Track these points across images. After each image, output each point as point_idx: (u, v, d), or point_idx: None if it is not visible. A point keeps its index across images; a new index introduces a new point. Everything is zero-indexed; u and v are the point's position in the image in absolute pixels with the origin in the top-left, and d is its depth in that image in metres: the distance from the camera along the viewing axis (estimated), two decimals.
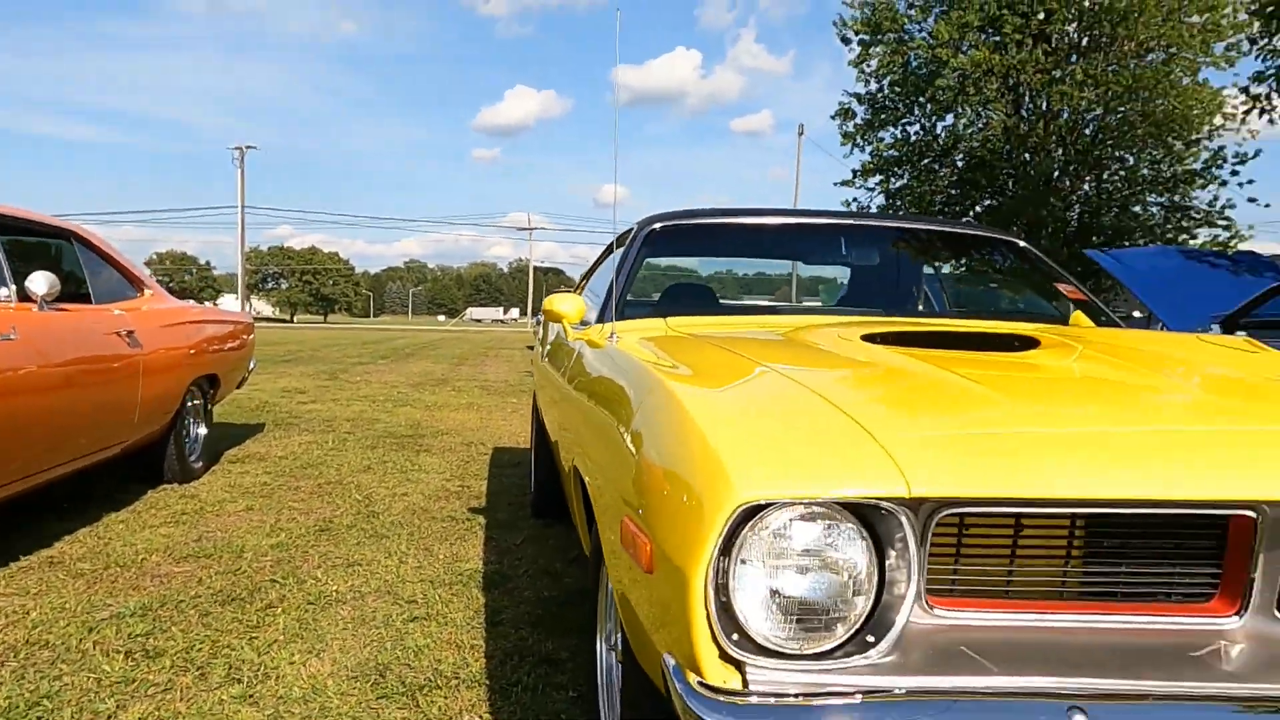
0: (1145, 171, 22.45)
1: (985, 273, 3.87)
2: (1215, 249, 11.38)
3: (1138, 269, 8.22)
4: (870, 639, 1.10)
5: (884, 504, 1.07)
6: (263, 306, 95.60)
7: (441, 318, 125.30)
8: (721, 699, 1.03)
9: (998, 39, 21.52)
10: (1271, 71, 12.86)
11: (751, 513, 1.07)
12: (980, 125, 22.63)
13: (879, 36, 23.29)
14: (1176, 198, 22.28)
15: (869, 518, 1.10)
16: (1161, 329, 7.72)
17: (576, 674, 2.44)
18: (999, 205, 22.93)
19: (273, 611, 2.90)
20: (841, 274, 3.82)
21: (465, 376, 13.49)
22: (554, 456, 3.70)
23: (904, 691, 1.04)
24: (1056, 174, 22.42)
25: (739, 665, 1.07)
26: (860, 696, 1.03)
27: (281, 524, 4.07)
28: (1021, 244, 3.15)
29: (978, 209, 23.90)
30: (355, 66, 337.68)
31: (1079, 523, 1.23)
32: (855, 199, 25.59)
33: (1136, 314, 7.91)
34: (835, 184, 24.62)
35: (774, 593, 1.09)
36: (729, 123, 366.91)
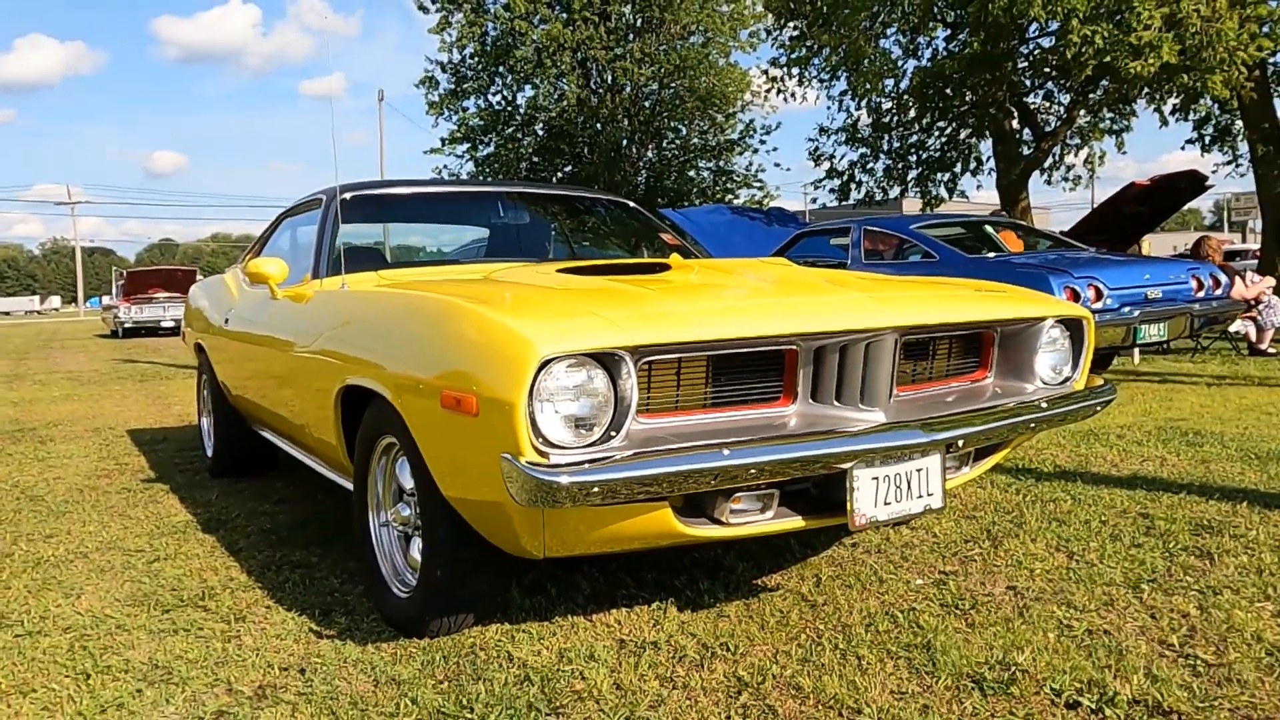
0: (696, 140, 25.77)
1: (604, 226, 4.83)
2: (753, 206, 13.89)
3: (700, 223, 10.04)
4: (613, 434, 1.89)
5: (616, 352, 1.85)
6: None
7: None
8: (543, 469, 1.75)
9: (568, 15, 23.18)
10: (783, 59, 15.70)
11: (544, 364, 1.79)
12: (557, 97, 24.34)
13: (456, 4, 23.90)
14: (721, 163, 25.94)
15: (608, 363, 1.88)
16: None
17: (334, 569, 2.95)
18: (579, 171, 24.97)
19: (0, 577, 2.98)
20: (474, 236, 4.55)
21: (41, 371, 12.10)
22: (250, 417, 4.03)
23: (630, 454, 1.85)
24: (625, 143, 24.90)
25: (544, 455, 1.80)
26: (618, 458, 1.82)
27: None
28: (632, 205, 4.13)
29: (559, 175, 25.77)
30: None
31: (710, 362, 2.12)
32: (445, 166, 26.25)
33: None
34: (425, 152, 24.85)
35: (558, 413, 1.84)
36: (298, 85, 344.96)
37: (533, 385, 1.78)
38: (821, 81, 15.99)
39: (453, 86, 25.19)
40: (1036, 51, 12.72)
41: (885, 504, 2.15)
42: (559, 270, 2.60)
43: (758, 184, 25.49)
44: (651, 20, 24.32)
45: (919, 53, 15.00)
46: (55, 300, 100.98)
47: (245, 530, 3.49)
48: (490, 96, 25.43)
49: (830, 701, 1.93)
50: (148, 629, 2.49)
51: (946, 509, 3.23)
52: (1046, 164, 15.60)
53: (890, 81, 14.28)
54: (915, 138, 15.89)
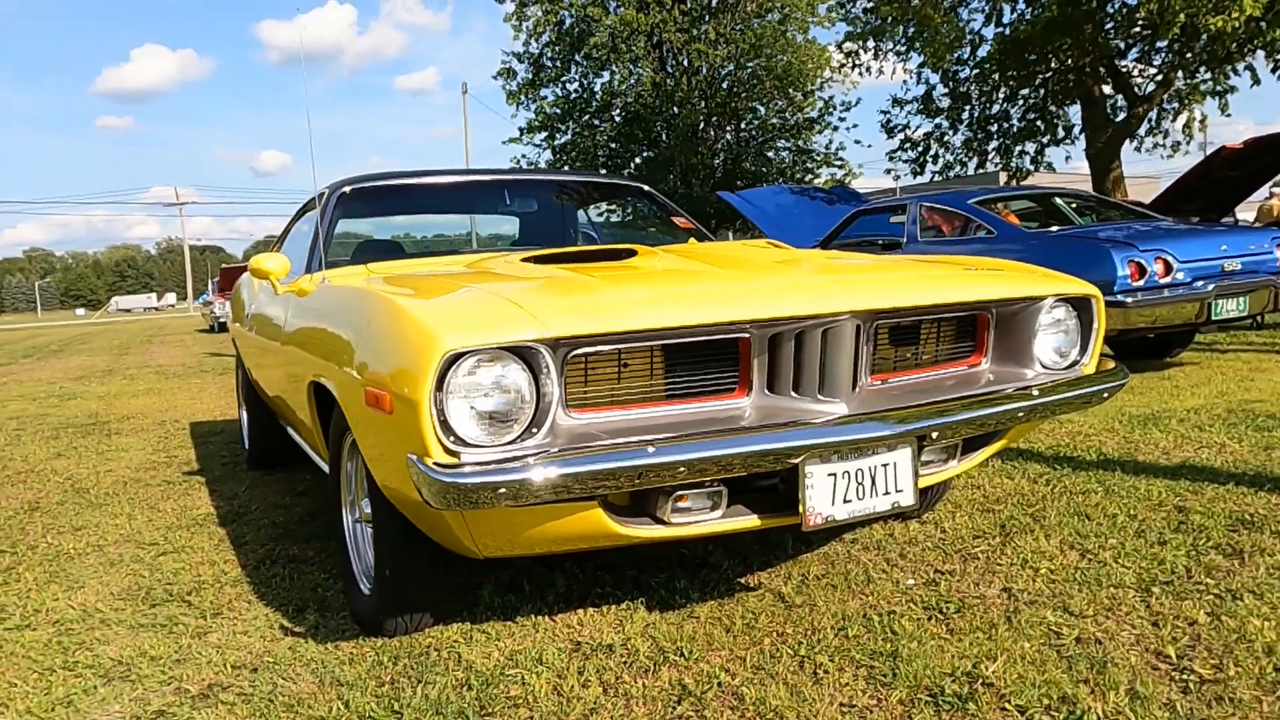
0: (774, 120, 25.33)
1: (628, 213, 4.74)
2: (819, 187, 13.55)
3: (760, 206, 9.81)
4: (534, 431, 1.80)
5: (533, 345, 1.76)
6: None
7: (81, 311, 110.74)
8: (446, 471, 1.67)
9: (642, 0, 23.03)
10: (857, 31, 15.23)
11: (453, 360, 1.71)
12: (633, 81, 24.25)
13: None
14: (800, 142, 25.43)
15: (526, 356, 1.78)
16: None
17: (324, 565, 2.95)
18: (655, 156, 24.84)
19: (15, 570, 3.09)
20: (514, 229, 4.52)
21: (134, 365, 12.69)
22: (273, 408, 4.08)
23: (556, 451, 1.75)
24: (702, 125, 24.64)
25: (455, 454, 1.72)
26: (530, 459, 1.73)
27: None
28: (646, 189, 4.01)
29: (637, 160, 25.68)
30: None
31: (656, 352, 2.00)
32: (524, 155, 26.48)
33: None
34: (503, 142, 25.09)
35: (472, 409, 1.75)
36: (393, 81, 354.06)
37: (441, 381, 1.71)
38: (898, 55, 15.47)
39: (530, 76, 25.34)
40: (1123, 9, 11.96)
41: (845, 502, 2.00)
42: (523, 259, 2.51)
43: (838, 162, 24.92)
44: (727, 0, 23.97)
45: (1001, 18, 14.35)
46: (171, 297, 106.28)
47: (258, 523, 3.54)
48: (567, 84, 25.49)
49: (770, 714, 1.80)
50: (128, 624, 2.53)
51: (944, 502, 3.06)
52: (1141, 130, 14.73)
53: (966, 50, 13.68)
54: (997, 107, 15.22)
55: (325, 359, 2.33)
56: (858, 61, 16.57)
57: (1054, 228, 6.43)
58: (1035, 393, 2.24)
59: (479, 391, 1.76)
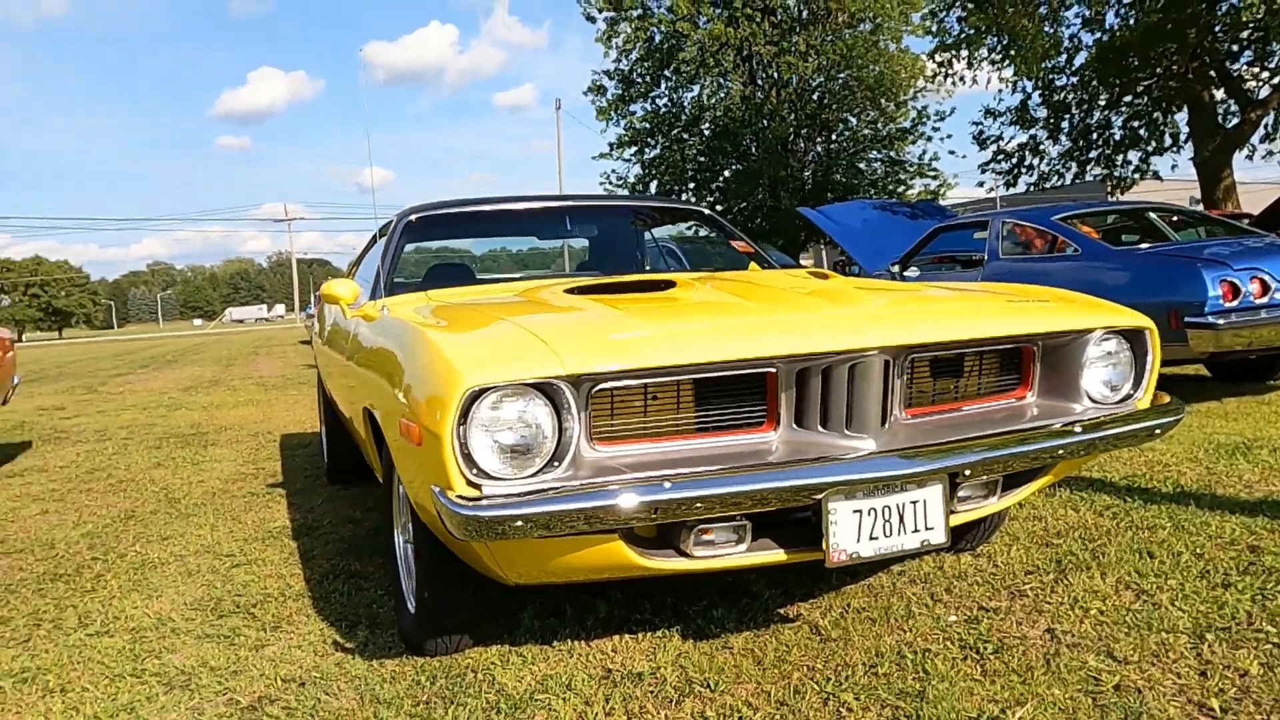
0: (866, 131, 24.96)
1: (697, 236, 4.78)
2: (902, 202, 13.28)
3: (841, 222, 9.69)
4: (556, 464, 1.85)
5: (554, 381, 1.81)
6: None
7: (198, 321, 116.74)
8: (466, 504, 1.74)
9: (730, 13, 23.07)
10: (948, 41, 14.93)
11: (477, 395, 1.78)
12: (722, 95, 24.27)
13: (622, 13, 24.30)
14: (893, 153, 25.00)
15: (549, 392, 1.84)
16: (857, 271, 9.16)
17: (382, 582, 3.06)
18: (744, 169, 24.78)
19: (103, 578, 3.30)
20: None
21: (238, 376, 13.32)
22: (346, 425, 4.25)
23: (576, 485, 1.80)
24: (791, 137, 24.46)
25: (478, 486, 1.79)
26: (549, 493, 1.78)
27: (84, 519, 4.35)
28: (707, 213, 4.04)
29: (726, 174, 25.67)
30: (64, 52, 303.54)
31: (684, 386, 2.03)
32: (613, 170, 26.79)
33: (805, 262, 9.26)
34: (593, 157, 25.47)
35: (494, 443, 1.81)
36: (491, 97, 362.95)
37: (464, 416, 1.77)
38: (993, 64, 15.09)
39: (620, 92, 25.63)
40: (1230, 12, 11.40)
41: (871, 539, 1.98)
42: (566, 290, 2.57)
43: (931, 173, 24.41)
44: (817, 11, 23.78)
45: (1103, 24, 13.85)
46: (280, 308, 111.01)
47: (327, 538, 3.69)
48: (656, 99, 25.67)
49: None
50: (196, 634, 2.68)
51: (997, 535, 2.98)
52: (1255, 137, 13.99)
53: (1063, 58, 13.26)
54: (1098, 115, 14.68)
55: (374, 386, 2.44)
56: (950, 71, 16.26)
57: (1144, 245, 6.18)
58: (1078, 429, 2.17)
59: (501, 426, 1.82)
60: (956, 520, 2.20)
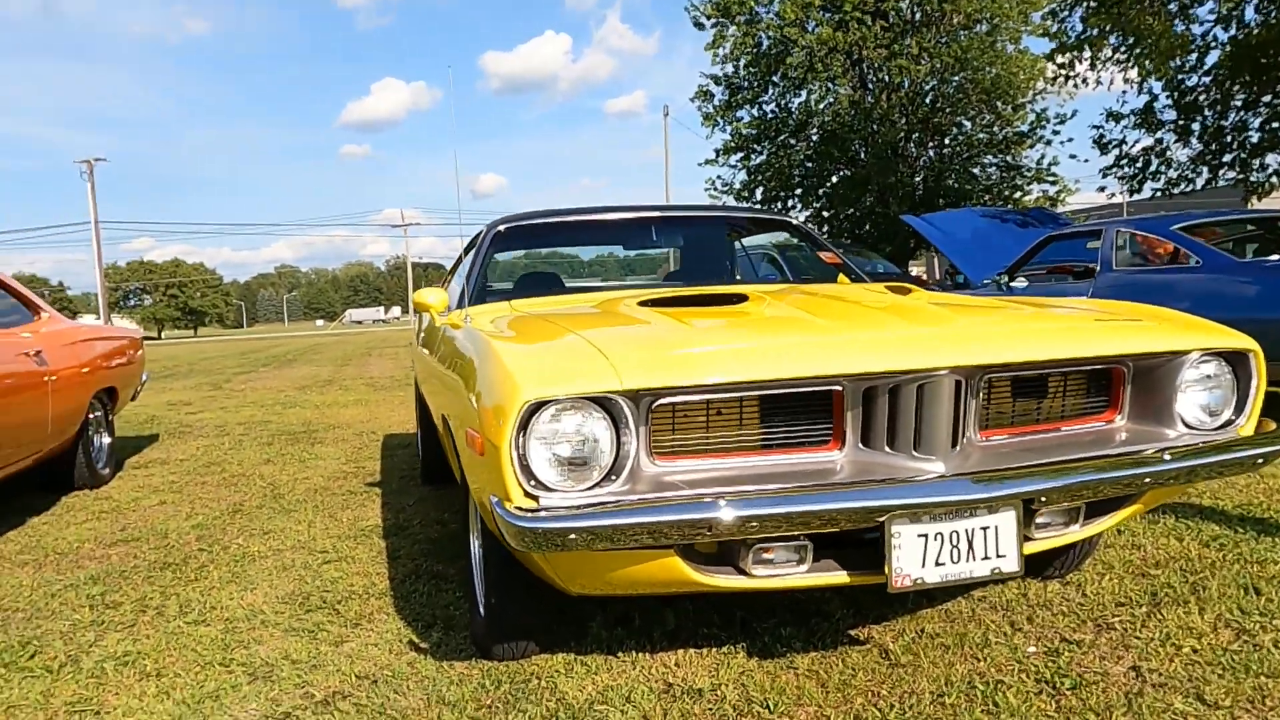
0: (981, 135, 24.18)
1: (795, 246, 4.74)
2: (1013, 209, 12.75)
3: (946, 231, 9.40)
4: (614, 478, 1.86)
5: (611, 395, 1.82)
6: (127, 325, 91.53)
7: (319, 322, 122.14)
8: (522, 515, 1.77)
9: (840, 17, 22.74)
10: (1067, 43, 14.34)
11: (536, 408, 1.81)
12: (830, 100, 23.93)
13: (730, 20, 24.26)
14: (1010, 158, 24.14)
15: (607, 406, 1.85)
16: (963, 281, 8.87)
17: (462, 584, 3.14)
18: (852, 175, 24.37)
19: (206, 569, 3.49)
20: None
21: (351, 376, 13.85)
22: (436, 427, 4.38)
23: (633, 500, 1.81)
24: (902, 140, 23.92)
25: (535, 498, 1.81)
26: (606, 505, 1.79)
27: (196, 511, 4.61)
28: (793, 223, 4.00)
29: (834, 179, 25.30)
30: (206, 68, 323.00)
31: (748, 403, 2.01)
32: (718, 177, 26.75)
33: (915, 271, 8.96)
34: (699, 164, 25.48)
35: (552, 455, 1.84)
36: (602, 105, 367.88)
37: (524, 428, 1.80)
38: (1118, 64, 14.40)
39: (726, 98, 25.57)
40: None
41: (937, 565, 1.92)
42: (640, 302, 2.58)
43: (1050, 178, 23.45)
44: (931, 13, 23.20)
45: (1241, 21, 13.05)
46: (396, 310, 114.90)
47: (415, 537, 3.81)
48: (763, 105, 25.51)
49: None
50: (284, 627, 2.80)
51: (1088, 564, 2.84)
52: None
53: (1194, 56, 12.54)
54: (1233, 117, 13.82)
55: (450, 393, 2.51)
56: (1071, 73, 15.63)
57: (1275, 257, 5.79)
58: (1166, 456, 2.05)
59: (559, 439, 1.84)
60: (1035, 548, 2.12)
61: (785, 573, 1.98)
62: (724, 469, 1.99)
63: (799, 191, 25.57)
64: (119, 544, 3.99)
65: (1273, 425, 2.26)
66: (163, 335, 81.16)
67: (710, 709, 2.09)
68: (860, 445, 2.03)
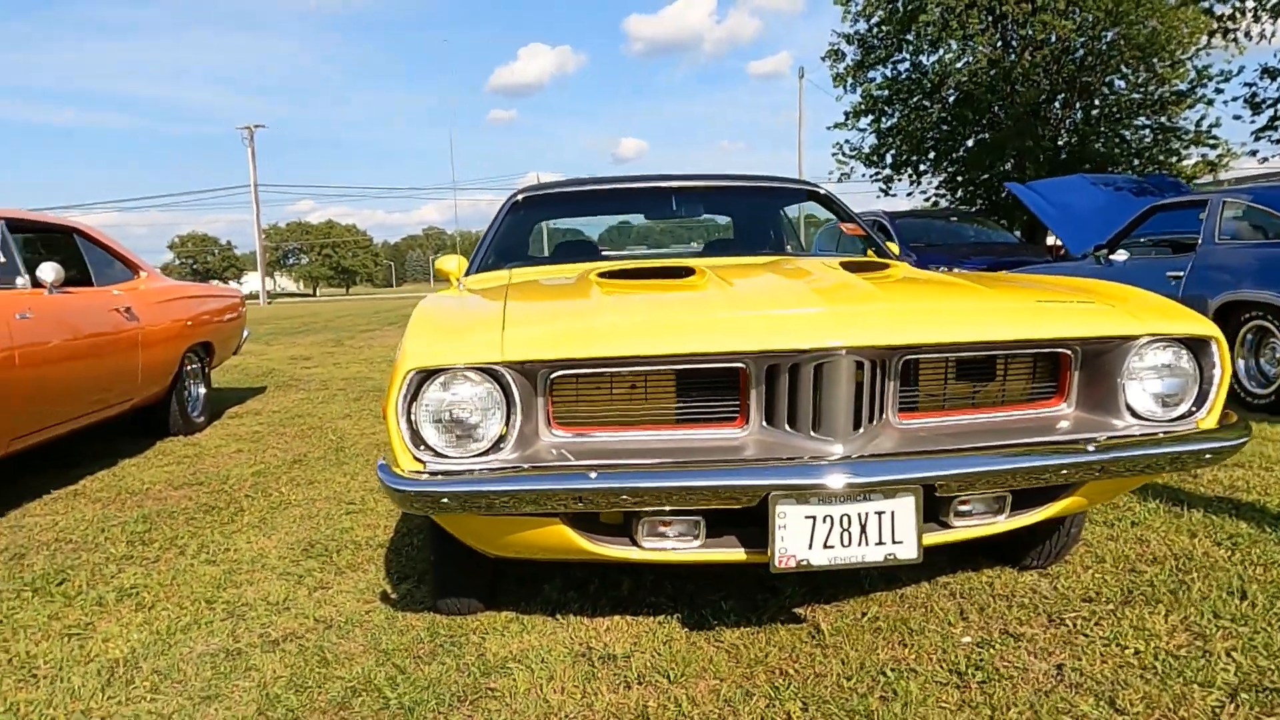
0: (1135, 95, 22.52)
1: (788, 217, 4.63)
2: (1129, 177, 11.80)
3: (1051, 199, 8.86)
4: (501, 446, 1.92)
5: (497, 367, 1.88)
6: (286, 283, 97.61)
7: None
8: (408, 478, 1.86)
9: None
10: None
11: (426, 376, 1.88)
12: (968, 59, 22.80)
13: None
14: (1164, 119, 22.40)
15: (496, 376, 1.91)
16: (1062, 252, 8.38)
17: None
18: (990, 139, 23.21)
19: (243, 513, 3.77)
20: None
21: None
22: None
23: (508, 469, 1.86)
24: (1043, 100, 22.57)
25: (423, 462, 1.90)
26: (488, 470, 1.86)
27: (263, 460, 4.95)
28: (820, 191, 3.91)
29: (969, 143, 24.18)
30: (363, 35, 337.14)
31: (655, 378, 2.03)
32: (847, 140, 26.00)
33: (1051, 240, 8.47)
34: (828, 128, 24.87)
35: (440, 421, 1.91)
36: (745, 66, 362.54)
37: (415, 396, 1.89)
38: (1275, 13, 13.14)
39: (859, 58, 24.76)
40: None
41: (826, 547, 1.90)
42: (599, 274, 2.61)
43: (1210, 140, 21.62)
44: None
45: None
46: None
47: None
48: (896, 65, 24.57)
49: None
50: (279, 570, 3.01)
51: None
52: None
53: None
54: None
55: None
56: (1233, 25, 14.35)
57: None
58: (1090, 448, 1.94)
59: (448, 407, 1.91)
60: (954, 536, 2.05)
61: (676, 545, 2.00)
62: (633, 441, 2.02)
63: (931, 155, 24.59)
64: (184, 486, 4.35)
65: (1234, 417, 2.09)
66: (317, 293, 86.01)
67: (615, 674, 2.14)
68: (764, 424, 2.01)
